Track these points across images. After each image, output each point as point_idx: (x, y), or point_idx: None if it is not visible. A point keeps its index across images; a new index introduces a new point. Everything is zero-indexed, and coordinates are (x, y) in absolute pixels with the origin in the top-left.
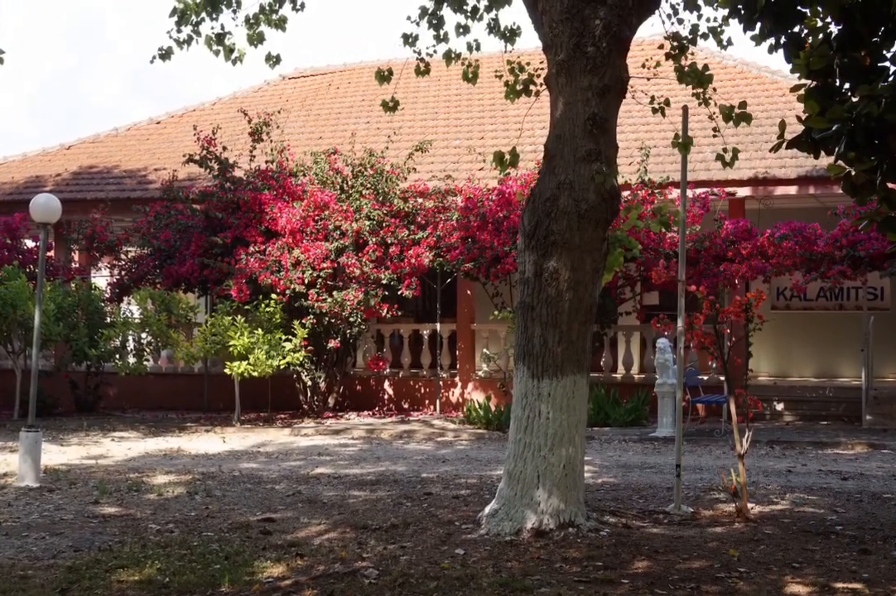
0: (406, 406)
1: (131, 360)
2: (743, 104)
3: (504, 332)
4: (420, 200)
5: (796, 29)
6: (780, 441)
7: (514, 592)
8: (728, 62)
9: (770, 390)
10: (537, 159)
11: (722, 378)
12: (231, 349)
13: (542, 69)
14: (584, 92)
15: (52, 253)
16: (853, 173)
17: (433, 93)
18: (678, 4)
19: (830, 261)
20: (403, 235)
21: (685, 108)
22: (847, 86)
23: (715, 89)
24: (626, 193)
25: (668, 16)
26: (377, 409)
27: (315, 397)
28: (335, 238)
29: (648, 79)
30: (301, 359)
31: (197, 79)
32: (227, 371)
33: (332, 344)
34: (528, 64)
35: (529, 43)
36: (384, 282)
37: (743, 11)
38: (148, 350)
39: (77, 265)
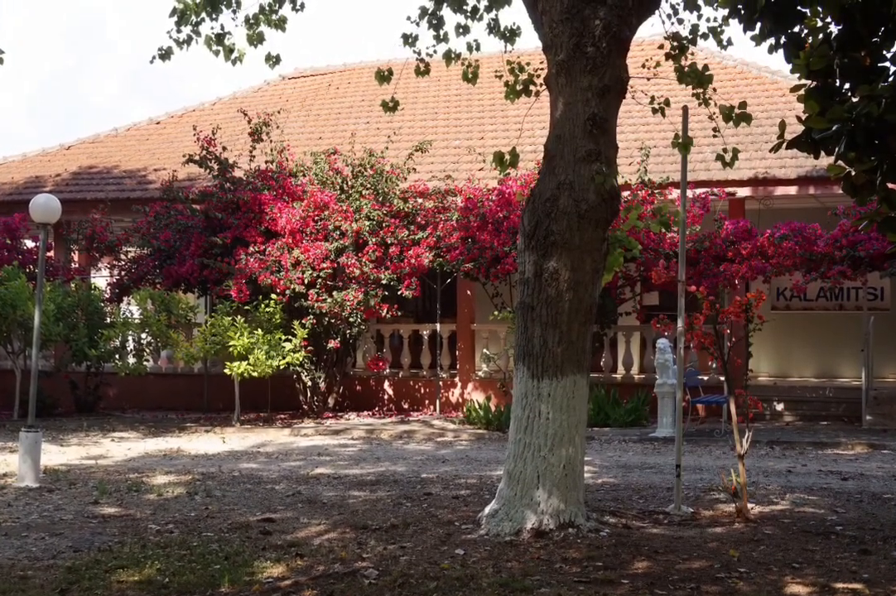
0: (406, 406)
1: (131, 360)
2: (743, 104)
3: (504, 332)
4: (420, 201)
5: (796, 29)
6: (780, 441)
7: (514, 593)
8: (728, 62)
9: (770, 391)
10: (537, 159)
11: (722, 378)
12: (231, 349)
13: (542, 69)
14: (584, 92)
15: (51, 253)
16: (853, 173)
17: (433, 93)
18: (678, 4)
19: (830, 261)
20: (403, 236)
21: (685, 109)
22: (847, 86)
23: (715, 89)
24: (626, 193)
25: (668, 16)
26: (377, 409)
27: (315, 397)
28: (335, 238)
29: (648, 79)
30: (301, 359)
31: (197, 79)
32: (226, 371)
33: (332, 344)
34: (528, 64)
35: (529, 43)
36: (384, 282)
37: (743, 11)
38: (148, 350)
39: (77, 265)
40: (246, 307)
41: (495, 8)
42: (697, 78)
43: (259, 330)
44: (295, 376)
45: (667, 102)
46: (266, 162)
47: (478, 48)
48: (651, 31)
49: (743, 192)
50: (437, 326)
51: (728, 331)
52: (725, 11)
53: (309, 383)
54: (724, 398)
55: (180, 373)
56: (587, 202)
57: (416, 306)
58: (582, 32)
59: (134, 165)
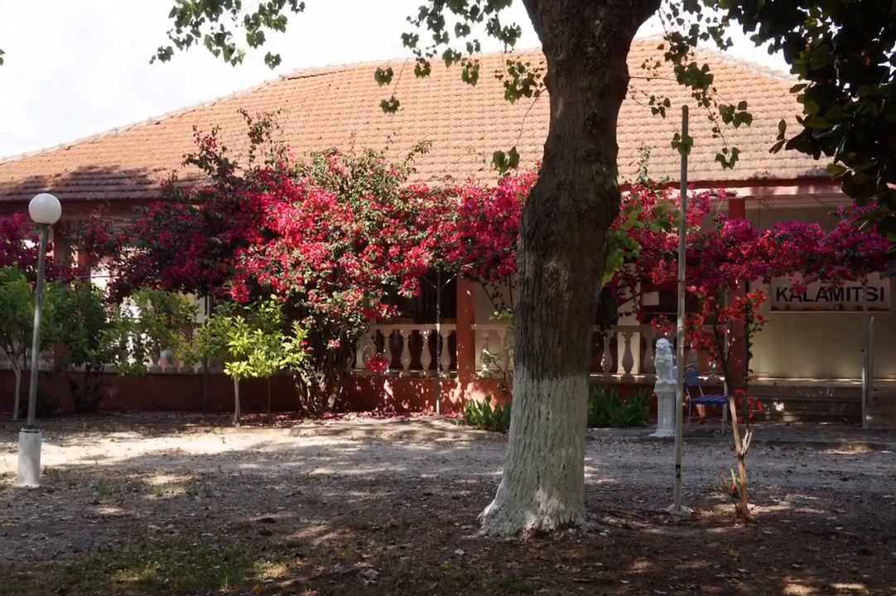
0: (406, 407)
1: (131, 360)
2: (743, 104)
3: (504, 332)
4: (420, 201)
5: (796, 29)
6: (780, 442)
7: (514, 593)
8: (728, 62)
9: (770, 391)
10: (537, 159)
11: (722, 378)
12: (231, 350)
13: (542, 69)
14: (584, 92)
15: (51, 253)
16: (853, 173)
17: (433, 93)
18: (678, 4)
19: (830, 261)
20: (403, 236)
21: (685, 109)
22: (847, 86)
23: (715, 89)
24: (626, 194)
25: (668, 16)
26: (377, 409)
27: (315, 398)
28: (335, 238)
29: (648, 79)
30: (301, 359)
31: (196, 79)
32: (226, 371)
33: (332, 344)
34: (528, 64)
35: (529, 43)
36: (384, 282)
37: (743, 12)
38: (147, 350)
39: (77, 265)
40: (246, 307)
41: (495, 8)
42: (697, 78)
43: (259, 330)
44: (295, 377)
45: (667, 102)
46: (266, 162)
47: (478, 48)
48: (651, 31)
49: (743, 192)
50: (437, 326)
51: (728, 331)
52: (725, 12)
53: (309, 384)
54: (724, 398)
55: (180, 373)
56: (587, 202)
57: (416, 306)
58: (582, 32)
59: (134, 165)
